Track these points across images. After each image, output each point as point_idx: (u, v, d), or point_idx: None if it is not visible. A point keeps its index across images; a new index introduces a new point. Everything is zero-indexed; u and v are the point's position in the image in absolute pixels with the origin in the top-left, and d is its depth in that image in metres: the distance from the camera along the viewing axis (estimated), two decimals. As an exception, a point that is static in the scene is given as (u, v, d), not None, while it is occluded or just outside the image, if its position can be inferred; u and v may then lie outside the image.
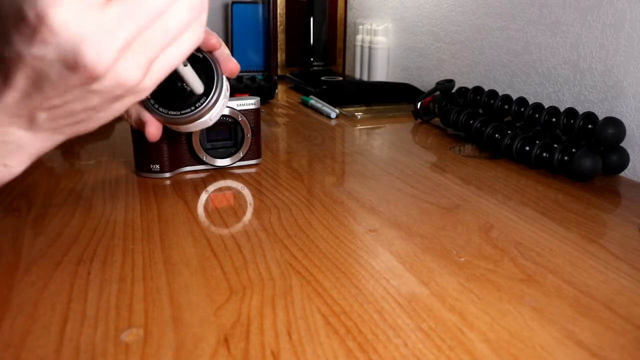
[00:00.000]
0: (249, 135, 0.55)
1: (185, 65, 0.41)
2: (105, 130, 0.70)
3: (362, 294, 0.32)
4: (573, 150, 0.54)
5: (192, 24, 0.29)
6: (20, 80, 0.26)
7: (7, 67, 0.26)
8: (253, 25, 1.28)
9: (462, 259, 0.37)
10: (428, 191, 0.50)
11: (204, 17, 0.31)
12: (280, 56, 1.24)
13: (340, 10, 1.26)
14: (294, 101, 0.96)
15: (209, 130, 0.53)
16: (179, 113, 0.43)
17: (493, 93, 0.69)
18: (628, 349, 0.28)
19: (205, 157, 0.54)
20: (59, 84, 0.26)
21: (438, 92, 0.77)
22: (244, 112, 0.54)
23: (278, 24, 1.22)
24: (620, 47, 0.59)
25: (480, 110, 0.71)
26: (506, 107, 0.67)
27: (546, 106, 0.62)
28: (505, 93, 0.68)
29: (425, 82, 0.97)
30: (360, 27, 1.13)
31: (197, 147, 0.53)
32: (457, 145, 0.68)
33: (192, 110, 0.43)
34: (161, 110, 0.43)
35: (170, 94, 0.43)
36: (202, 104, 0.43)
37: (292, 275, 0.34)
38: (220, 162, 0.55)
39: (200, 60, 0.43)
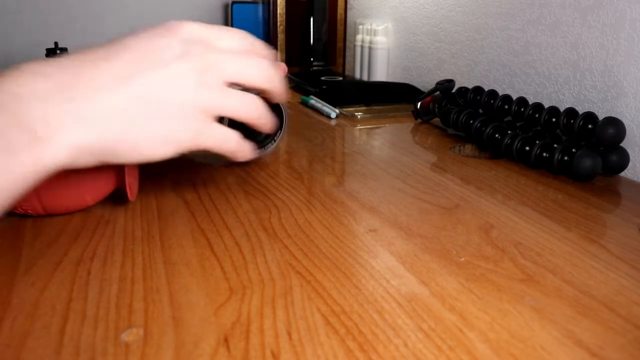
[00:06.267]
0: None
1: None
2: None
3: (362, 294, 0.32)
4: (573, 150, 0.54)
5: None
6: None
7: None
8: (253, 25, 1.28)
9: (462, 259, 0.37)
10: (428, 191, 0.50)
11: None
12: (280, 56, 1.23)
13: (340, 10, 1.26)
14: (294, 101, 0.96)
15: None
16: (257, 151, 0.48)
17: (493, 93, 0.69)
18: (628, 349, 0.28)
19: None
20: None
21: (438, 92, 0.77)
22: None
23: (278, 24, 1.22)
24: (620, 47, 0.59)
25: (480, 110, 0.71)
26: (506, 107, 0.67)
27: (546, 106, 0.62)
28: (505, 93, 0.68)
29: (425, 82, 0.97)
30: (360, 27, 1.13)
31: None
32: (457, 145, 0.68)
33: (267, 147, 0.50)
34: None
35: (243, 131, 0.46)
36: (274, 141, 0.50)
37: (292, 275, 0.34)
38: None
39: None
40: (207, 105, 0.34)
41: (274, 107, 0.49)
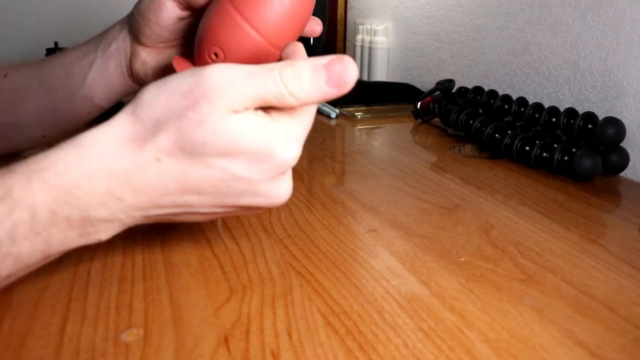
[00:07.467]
0: None
1: None
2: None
3: (362, 294, 0.32)
4: (573, 150, 0.54)
5: None
6: None
7: None
8: (253, 25, 1.28)
9: (462, 259, 0.37)
10: (428, 191, 0.50)
11: None
12: (281, 56, 1.23)
13: (340, 10, 1.26)
14: (294, 101, 0.96)
15: None
16: None
17: (493, 93, 0.69)
18: (628, 349, 0.28)
19: None
20: None
21: (438, 92, 0.77)
22: None
23: (278, 24, 1.21)
24: (620, 47, 0.59)
25: (480, 110, 0.71)
26: (506, 107, 0.67)
27: (546, 106, 0.62)
28: (505, 93, 0.68)
29: (425, 82, 0.97)
30: (360, 27, 1.13)
31: None
32: (457, 145, 0.68)
33: None
34: None
35: None
36: None
37: (292, 275, 0.34)
38: None
39: None
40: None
41: None
